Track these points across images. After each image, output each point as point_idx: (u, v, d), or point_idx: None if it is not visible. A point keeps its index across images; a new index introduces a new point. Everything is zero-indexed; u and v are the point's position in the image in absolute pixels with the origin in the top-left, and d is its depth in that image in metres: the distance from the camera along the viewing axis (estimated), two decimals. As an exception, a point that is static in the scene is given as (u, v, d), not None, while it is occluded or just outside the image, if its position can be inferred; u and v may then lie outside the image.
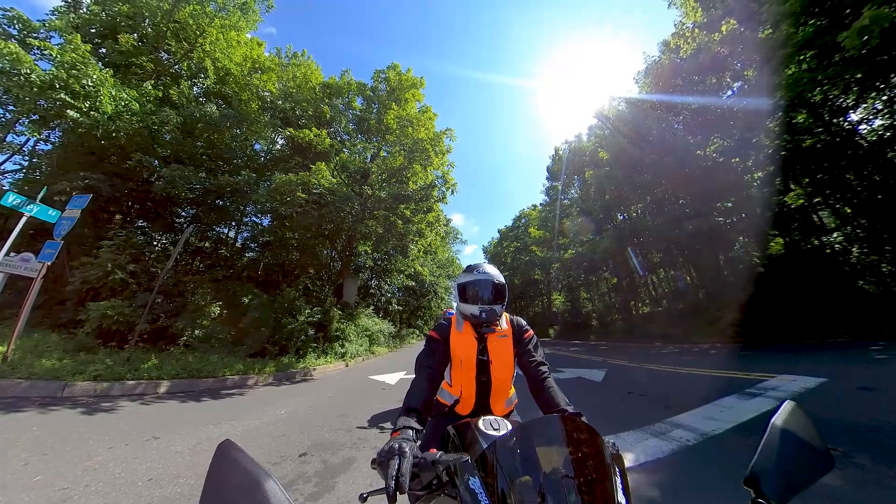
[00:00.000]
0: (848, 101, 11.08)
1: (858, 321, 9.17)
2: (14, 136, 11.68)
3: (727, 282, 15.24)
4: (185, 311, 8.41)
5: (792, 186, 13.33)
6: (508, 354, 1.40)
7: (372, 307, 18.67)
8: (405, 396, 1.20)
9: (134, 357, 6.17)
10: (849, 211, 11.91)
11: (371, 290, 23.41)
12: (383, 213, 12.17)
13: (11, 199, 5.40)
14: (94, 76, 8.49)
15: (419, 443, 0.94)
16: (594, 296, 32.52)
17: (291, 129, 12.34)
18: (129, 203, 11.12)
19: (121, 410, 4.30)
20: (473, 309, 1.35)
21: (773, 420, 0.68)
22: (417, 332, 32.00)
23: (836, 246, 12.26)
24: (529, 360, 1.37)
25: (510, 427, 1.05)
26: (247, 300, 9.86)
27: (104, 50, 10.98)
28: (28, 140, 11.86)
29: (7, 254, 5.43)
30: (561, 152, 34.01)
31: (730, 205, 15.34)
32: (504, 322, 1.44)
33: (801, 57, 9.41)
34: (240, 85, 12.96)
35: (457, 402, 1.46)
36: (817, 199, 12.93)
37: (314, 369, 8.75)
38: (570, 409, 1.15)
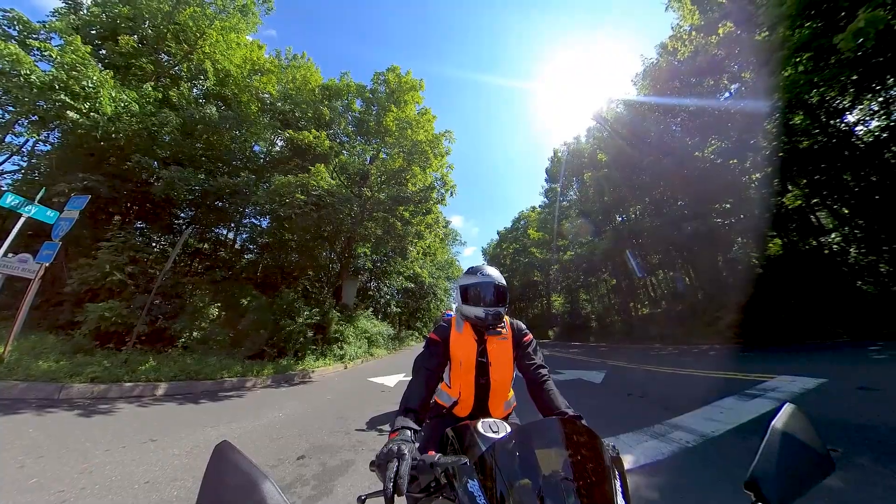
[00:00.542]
0: (844, 102, 11.15)
1: (857, 321, 9.18)
2: (13, 136, 11.65)
3: (726, 283, 15.26)
4: (184, 313, 8.37)
5: (790, 187, 13.37)
6: (508, 357, 1.39)
7: (371, 309, 18.66)
8: (403, 397, 1.20)
9: (132, 359, 6.14)
10: (846, 211, 11.95)
11: (370, 292, 23.34)
12: (382, 215, 12.16)
13: (10, 200, 5.40)
14: (94, 77, 8.49)
15: (418, 444, 0.93)
16: (593, 297, 32.49)
17: (291, 131, 12.35)
18: (128, 204, 11.09)
19: (118, 412, 4.27)
20: (478, 311, 1.35)
21: (773, 423, 0.68)
22: (416, 333, 31.89)
23: (835, 246, 12.27)
24: (529, 363, 1.37)
25: (509, 429, 1.05)
26: (245, 302, 9.84)
27: (104, 51, 10.99)
28: (27, 141, 11.84)
29: (5, 254, 5.42)
30: (559, 154, 34.09)
31: (728, 206, 15.36)
32: (504, 324, 1.44)
33: (798, 59, 9.46)
34: (239, 87, 12.96)
35: (455, 403, 1.45)
36: (815, 200, 12.97)
37: (313, 371, 8.73)
38: (570, 411, 1.14)
